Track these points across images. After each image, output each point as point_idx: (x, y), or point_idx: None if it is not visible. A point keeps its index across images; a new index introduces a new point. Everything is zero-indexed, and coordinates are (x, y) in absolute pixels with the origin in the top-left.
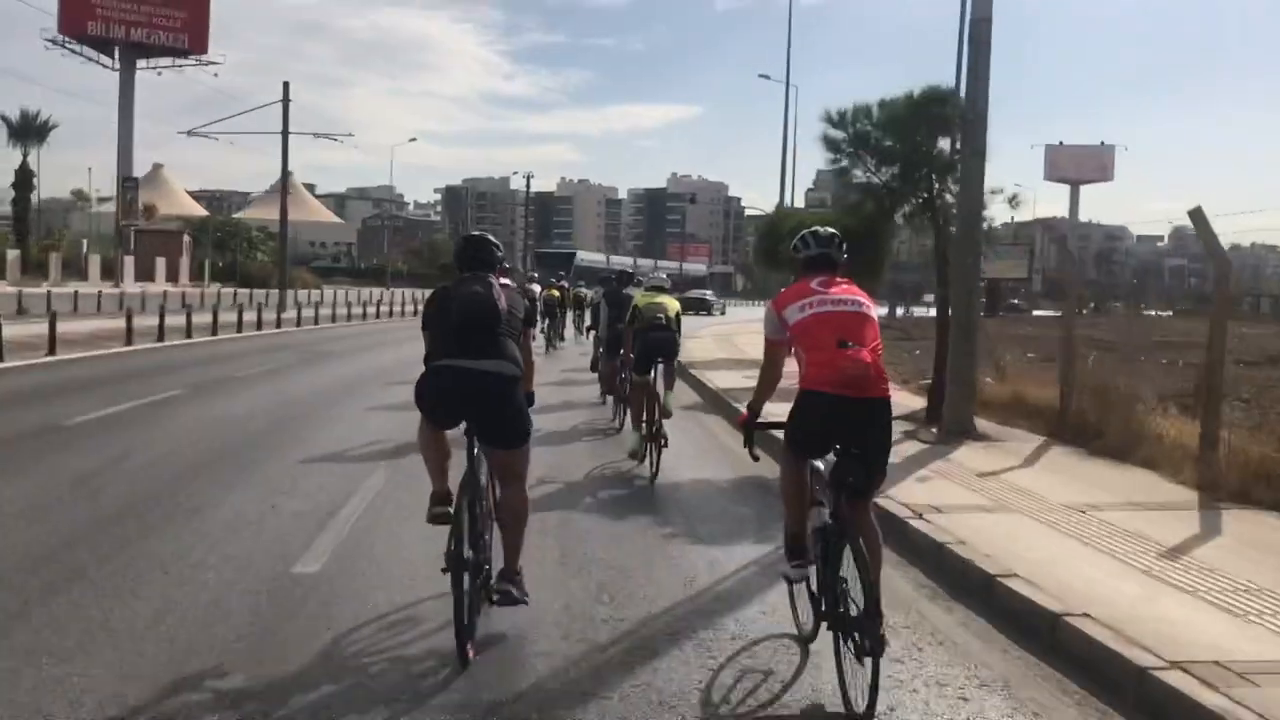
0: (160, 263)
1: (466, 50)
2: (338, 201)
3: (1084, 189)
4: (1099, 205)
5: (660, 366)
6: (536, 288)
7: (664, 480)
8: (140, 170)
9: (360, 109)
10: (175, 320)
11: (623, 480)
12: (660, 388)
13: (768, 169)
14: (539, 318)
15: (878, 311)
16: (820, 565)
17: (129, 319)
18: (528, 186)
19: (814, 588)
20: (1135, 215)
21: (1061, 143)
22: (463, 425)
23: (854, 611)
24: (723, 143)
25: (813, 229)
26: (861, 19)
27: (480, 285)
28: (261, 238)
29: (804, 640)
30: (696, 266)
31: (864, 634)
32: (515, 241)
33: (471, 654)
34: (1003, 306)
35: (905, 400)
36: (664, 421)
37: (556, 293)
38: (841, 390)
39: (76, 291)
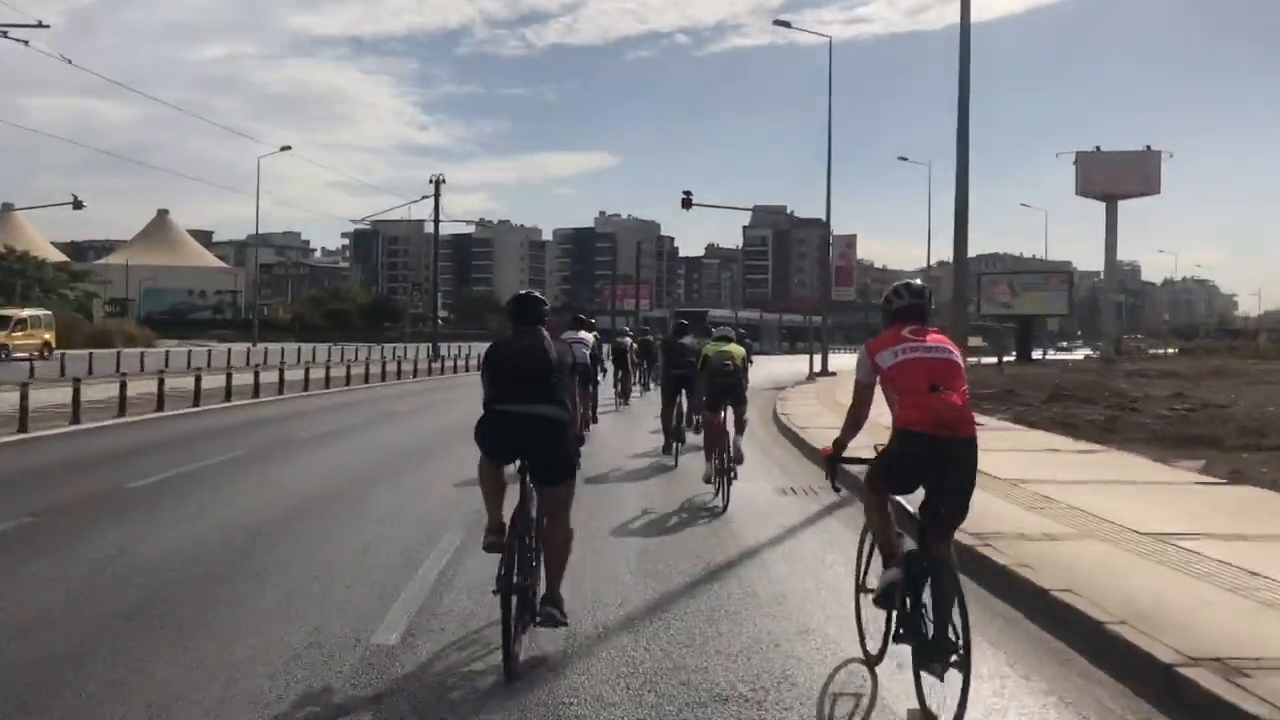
0: None
1: (380, 102)
2: (237, 249)
3: (1123, 205)
4: (1141, 225)
5: (729, 410)
6: (628, 340)
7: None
8: None
9: (272, 161)
10: None
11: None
12: (730, 428)
13: (696, 210)
14: (606, 368)
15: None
16: (900, 591)
17: None
18: (437, 197)
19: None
20: (1184, 234)
21: (1099, 148)
22: (515, 463)
23: (930, 634)
24: (644, 187)
25: (905, 282)
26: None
27: (532, 339)
28: (64, 278)
29: (871, 662)
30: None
31: (944, 654)
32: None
33: (519, 664)
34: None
35: None
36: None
37: (629, 341)
38: (934, 430)
39: None
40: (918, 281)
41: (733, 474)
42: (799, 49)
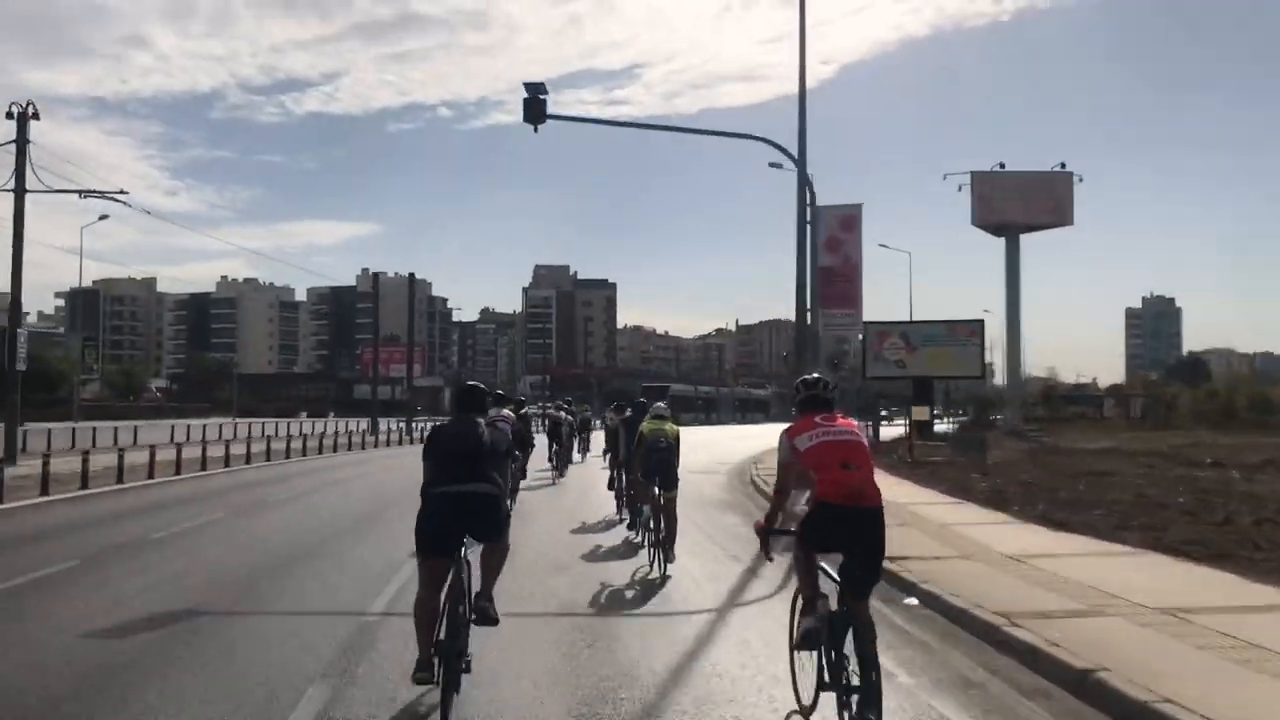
0: None
1: (123, 164)
2: None
3: (1026, 239)
4: (1048, 260)
5: (659, 489)
6: (563, 414)
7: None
8: None
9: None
10: None
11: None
12: (662, 503)
13: (467, 272)
14: (534, 443)
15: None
16: (826, 645)
17: None
18: None
19: (813, 669)
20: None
21: (1003, 165)
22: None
23: (854, 682)
24: (410, 255)
25: (803, 378)
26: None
27: (468, 425)
28: None
29: (805, 712)
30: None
31: (865, 697)
32: (163, 354)
33: None
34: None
35: None
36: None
37: (564, 414)
38: (845, 501)
39: None
40: (815, 375)
41: (671, 556)
42: (562, 125)
